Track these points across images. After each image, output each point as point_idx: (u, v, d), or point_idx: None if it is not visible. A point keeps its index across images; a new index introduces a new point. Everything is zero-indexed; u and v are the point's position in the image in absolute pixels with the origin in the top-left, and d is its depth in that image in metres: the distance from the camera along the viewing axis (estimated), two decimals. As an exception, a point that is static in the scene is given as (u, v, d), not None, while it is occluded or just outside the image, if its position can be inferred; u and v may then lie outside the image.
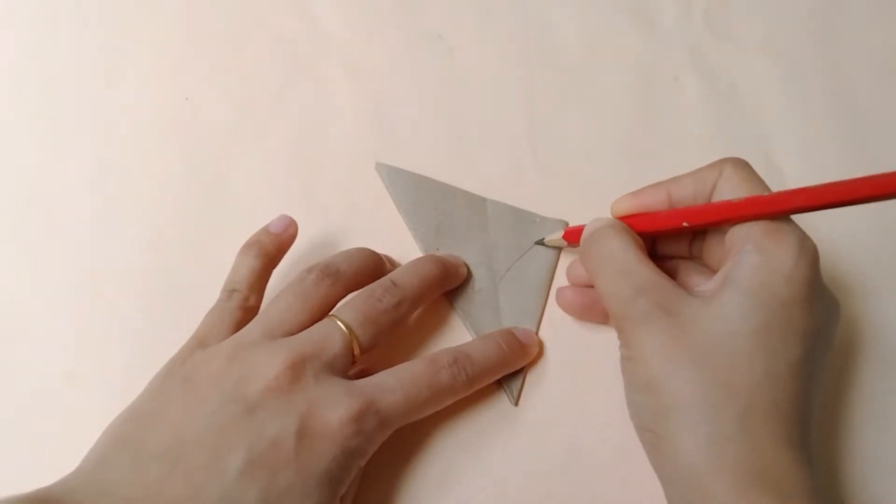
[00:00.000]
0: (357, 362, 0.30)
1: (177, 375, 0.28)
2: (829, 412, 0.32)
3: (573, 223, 0.36)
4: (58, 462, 0.33)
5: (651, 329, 0.26)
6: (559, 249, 0.35)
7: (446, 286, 0.34)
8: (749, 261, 0.26)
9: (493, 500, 0.31)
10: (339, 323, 0.29)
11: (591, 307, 0.33)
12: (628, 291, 0.27)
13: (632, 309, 0.27)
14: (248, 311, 0.31)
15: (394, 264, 0.35)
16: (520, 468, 0.31)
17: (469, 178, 0.37)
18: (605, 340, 0.33)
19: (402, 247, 0.36)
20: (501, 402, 0.33)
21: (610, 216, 0.31)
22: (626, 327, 0.27)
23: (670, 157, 0.38)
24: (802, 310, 0.26)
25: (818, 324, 0.26)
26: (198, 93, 0.40)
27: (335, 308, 0.30)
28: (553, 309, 0.34)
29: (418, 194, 0.36)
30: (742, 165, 0.29)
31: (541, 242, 0.35)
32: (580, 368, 0.33)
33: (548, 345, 0.34)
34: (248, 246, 0.32)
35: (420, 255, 0.35)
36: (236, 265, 0.32)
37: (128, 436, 0.27)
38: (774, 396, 0.25)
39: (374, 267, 0.33)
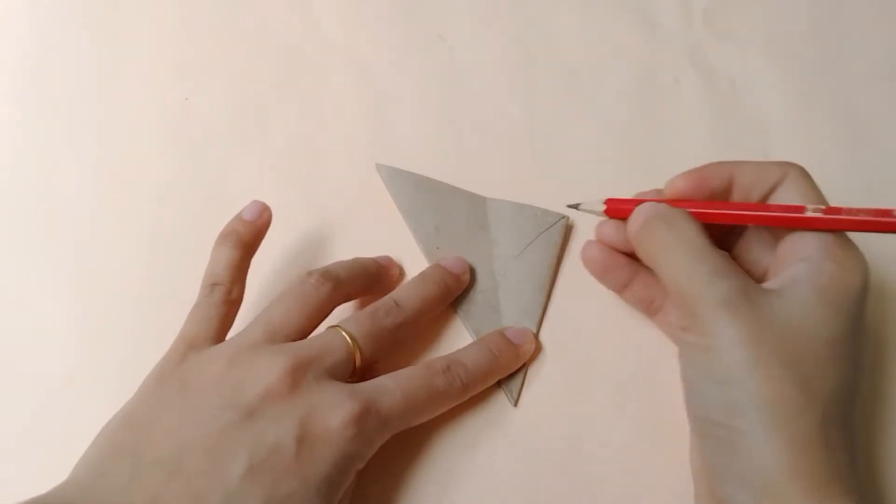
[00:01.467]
0: (357, 372, 0.29)
1: (172, 379, 0.28)
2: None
3: (572, 222, 0.36)
4: (58, 462, 0.33)
5: (733, 316, 0.25)
6: (559, 248, 0.35)
7: (448, 301, 0.34)
8: (826, 269, 0.26)
9: (494, 500, 0.31)
10: (342, 332, 0.29)
11: (611, 269, 0.32)
12: (706, 274, 0.26)
13: (710, 291, 0.26)
14: (232, 305, 0.31)
15: (395, 266, 0.35)
16: (520, 468, 0.31)
17: (469, 178, 0.37)
18: (605, 340, 0.33)
19: (403, 246, 0.36)
20: (501, 402, 0.33)
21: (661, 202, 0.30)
22: (702, 310, 0.26)
23: (670, 157, 0.38)
24: (862, 324, 0.26)
25: (859, 318, 0.27)
26: (198, 93, 0.40)
27: (341, 320, 0.30)
28: (554, 308, 0.34)
29: (418, 194, 0.36)
30: (807, 175, 0.28)
31: (575, 206, 0.33)
32: (580, 368, 0.33)
33: (548, 345, 0.34)
34: (223, 237, 0.32)
35: (420, 254, 0.35)
36: (214, 257, 0.31)
37: (125, 442, 0.26)
38: (844, 406, 0.25)
39: (373, 275, 0.33)
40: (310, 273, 0.31)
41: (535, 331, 0.34)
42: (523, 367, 0.33)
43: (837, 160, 0.38)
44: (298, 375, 0.27)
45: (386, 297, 0.32)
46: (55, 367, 0.34)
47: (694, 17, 0.41)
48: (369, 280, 0.33)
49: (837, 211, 0.27)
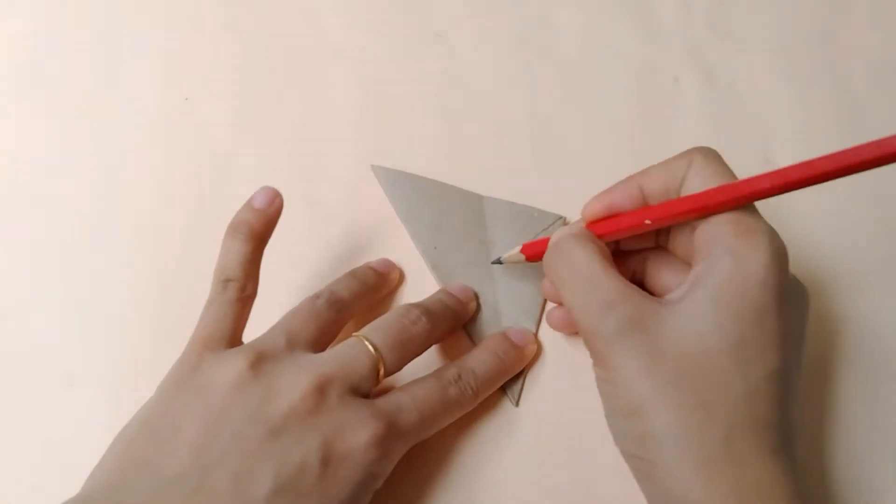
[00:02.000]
0: (379, 384, 0.29)
1: (191, 385, 0.27)
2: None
3: (572, 222, 0.36)
4: (58, 463, 0.33)
5: (626, 347, 0.25)
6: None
7: (463, 321, 0.33)
8: (721, 266, 0.25)
9: (494, 500, 0.31)
10: (367, 344, 0.29)
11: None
12: (597, 306, 0.26)
13: (603, 325, 0.25)
14: (246, 301, 0.30)
15: (395, 270, 0.35)
16: (520, 468, 0.31)
17: (469, 178, 0.37)
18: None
19: (402, 247, 0.36)
20: (502, 402, 0.33)
21: (575, 224, 0.30)
22: (598, 346, 0.26)
23: (670, 157, 0.38)
24: (776, 315, 0.24)
25: (792, 324, 0.25)
26: (198, 93, 0.40)
27: (364, 328, 0.30)
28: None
29: (415, 195, 0.36)
30: (712, 156, 0.27)
31: (498, 262, 0.34)
32: (580, 368, 0.33)
33: (547, 345, 0.34)
34: (234, 227, 0.30)
35: (418, 255, 0.35)
36: (225, 251, 0.30)
37: (143, 454, 0.26)
38: (756, 410, 0.24)
39: (374, 288, 0.33)
40: (317, 296, 0.31)
41: (534, 331, 0.34)
42: (524, 368, 0.33)
43: (837, 160, 0.38)
44: (323, 393, 0.27)
45: (412, 304, 0.31)
46: (55, 368, 0.34)
47: (694, 17, 0.41)
48: (371, 295, 0.33)
49: (722, 186, 0.26)
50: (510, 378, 0.32)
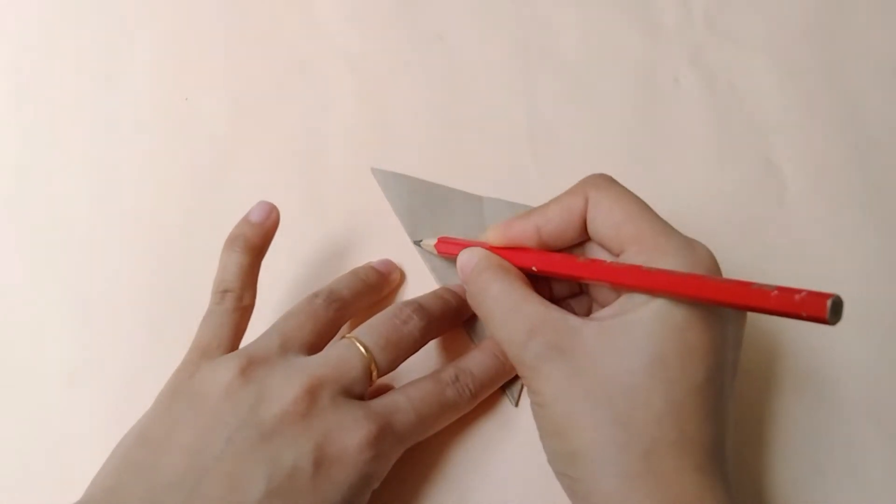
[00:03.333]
0: (373, 385, 0.29)
1: (186, 392, 0.28)
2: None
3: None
4: (58, 464, 0.33)
5: (547, 372, 0.25)
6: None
7: (461, 319, 0.33)
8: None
9: (494, 500, 0.31)
10: (358, 345, 0.29)
11: None
12: (520, 335, 0.26)
13: (525, 353, 0.26)
14: (244, 311, 0.30)
15: (395, 270, 0.35)
16: (520, 468, 0.31)
17: (469, 179, 0.37)
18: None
19: (402, 248, 0.36)
20: (501, 403, 0.33)
21: (483, 248, 0.30)
22: (524, 373, 0.26)
23: (670, 157, 0.38)
24: (700, 329, 0.24)
25: (719, 336, 0.25)
26: (198, 93, 0.40)
27: (356, 329, 0.30)
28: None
29: (414, 197, 0.36)
30: (605, 185, 0.27)
31: (417, 243, 0.34)
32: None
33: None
34: (231, 241, 0.31)
35: (417, 256, 0.35)
36: (223, 263, 0.31)
37: (140, 461, 0.26)
38: (680, 426, 0.24)
39: (375, 287, 0.33)
40: (316, 294, 0.31)
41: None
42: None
43: (837, 160, 0.38)
44: (315, 396, 0.27)
45: (408, 300, 0.31)
46: (55, 369, 0.34)
47: (694, 17, 0.41)
48: (372, 294, 0.33)
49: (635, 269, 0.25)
50: (510, 378, 0.32)
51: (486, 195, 0.37)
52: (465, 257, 0.30)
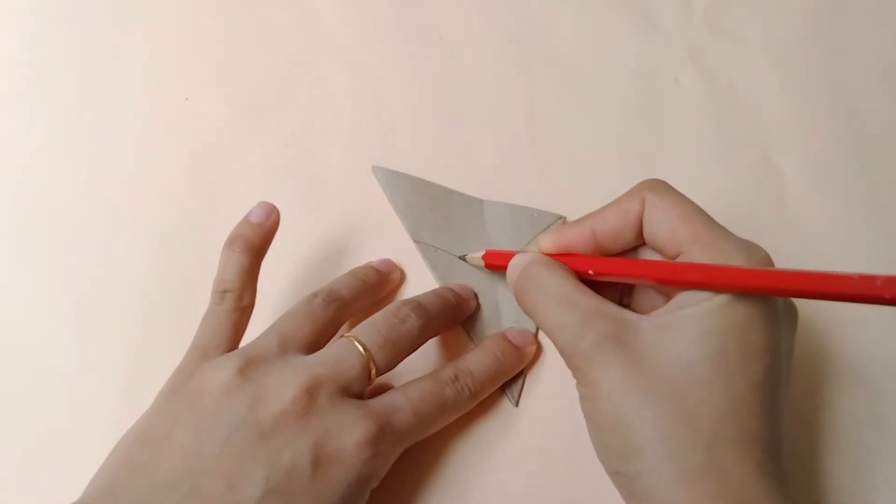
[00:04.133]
0: (372, 383, 0.29)
1: (184, 392, 0.28)
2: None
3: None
4: (58, 463, 0.33)
5: (605, 363, 0.25)
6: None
7: (461, 318, 0.33)
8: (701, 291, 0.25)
9: (494, 500, 0.31)
10: (356, 344, 0.29)
11: None
12: (575, 324, 0.26)
13: (581, 342, 0.25)
14: (244, 312, 0.30)
15: (396, 270, 0.35)
16: (520, 468, 0.31)
17: (469, 179, 0.37)
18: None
19: (402, 248, 0.36)
20: (502, 403, 0.33)
21: (535, 251, 0.30)
22: (578, 363, 0.26)
23: (670, 157, 0.38)
24: (759, 328, 0.24)
25: (777, 337, 0.25)
26: (198, 93, 0.40)
27: (355, 328, 0.30)
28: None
29: (414, 196, 0.36)
30: (662, 190, 0.27)
31: (463, 258, 0.34)
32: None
33: (548, 345, 0.34)
34: (231, 241, 0.31)
35: (417, 255, 0.35)
36: (223, 263, 0.31)
37: (138, 461, 0.26)
38: (740, 423, 0.23)
39: (374, 287, 0.33)
40: (315, 294, 0.31)
41: (534, 331, 0.34)
42: (523, 369, 0.33)
43: (837, 160, 0.38)
44: (313, 395, 0.27)
45: (406, 299, 0.31)
46: (55, 369, 0.34)
47: (694, 17, 0.41)
48: (372, 293, 0.33)
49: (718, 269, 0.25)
50: (510, 378, 0.32)
51: (485, 195, 0.37)
52: (517, 260, 0.29)
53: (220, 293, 0.30)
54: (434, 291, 0.33)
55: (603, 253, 0.28)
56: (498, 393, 0.33)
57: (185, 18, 0.42)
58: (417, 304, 0.31)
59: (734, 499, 0.23)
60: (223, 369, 0.27)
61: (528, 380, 0.33)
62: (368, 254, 0.36)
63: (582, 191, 0.37)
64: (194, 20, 0.42)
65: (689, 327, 0.24)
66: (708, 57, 0.40)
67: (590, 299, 0.26)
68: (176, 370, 0.29)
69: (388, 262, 0.35)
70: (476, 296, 0.34)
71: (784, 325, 0.26)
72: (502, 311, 0.34)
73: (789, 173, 0.37)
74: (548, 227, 0.35)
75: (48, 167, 0.39)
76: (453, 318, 0.33)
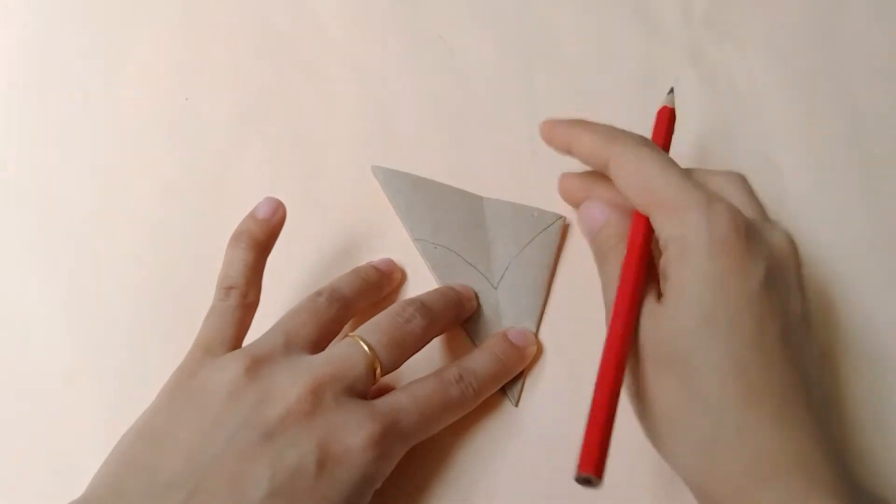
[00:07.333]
0: (376, 383, 0.29)
1: (187, 389, 0.27)
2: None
3: (570, 222, 0.36)
4: (58, 464, 0.33)
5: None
6: (557, 248, 0.35)
7: (463, 317, 0.33)
8: (669, 252, 0.26)
9: (494, 500, 0.31)
10: (362, 344, 0.29)
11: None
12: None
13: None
14: (248, 309, 0.30)
15: (397, 270, 0.35)
16: (520, 468, 0.31)
17: (469, 178, 0.37)
18: (603, 339, 0.33)
19: (402, 247, 0.36)
20: (502, 403, 0.33)
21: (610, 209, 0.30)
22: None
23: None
24: (739, 275, 0.24)
25: (765, 274, 0.25)
26: (198, 93, 0.40)
27: (360, 328, 0.30)
28: (553, 309, 0.34)
29: (414, 195, 0.36)
30: (632, 145, 0.28)
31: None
32: (580, 368, 0.33)
33: (548, 345, 0.34)
34: (236, 237, 0.31)
35: (418, 255, 0.35)
36: (228, 259, 0.31)
37: (140, 459, 0.26)
38: (745, 379, 0.24)
39: (376, 286, 0.33)
40: (318, 293, 0.31)
41: (534, 331, 0.34)
42: (523, 368, 0.33)
43: (837, 160, 0.38)
44: (318, 395, 0.27)
45: (410, 298, 0.31)
46: (55, 369, 0.34)
47: (694, 17, 0.41)
48: (374, 292, 0.33)
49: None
50: (510, 378, 0.32)
51: (486, 194, 0.37)
52: (597, 213, 0.30)
53: (225, 289, 0.30)
54: (437, 290, 0.33)
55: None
56: (498, 393, 0.32)
57: (186, 18, 0.42)
58: (422, 304, 0.31)
59: (750, 456, 0.23)
60: (229, 369, 0.27)
61: (528, 380, 0.33)
62: (370, 253, 0.36)
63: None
64: (195, 20, 0.42)
65: (676, 297, 0.25)
66: (708, 57, 0.40)
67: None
68: (179, 367, 0.29)
69: (389, 262, 0.35)
70: (476, 296, 0.34)
71: (776, 261, 0.26)
72: (502, 312, 0.34)
73: (789, 173, 0.37)
74: (548, 226, 0.35)
75: (48, 167, 0.39)
76: (457, 317, 0.33)
